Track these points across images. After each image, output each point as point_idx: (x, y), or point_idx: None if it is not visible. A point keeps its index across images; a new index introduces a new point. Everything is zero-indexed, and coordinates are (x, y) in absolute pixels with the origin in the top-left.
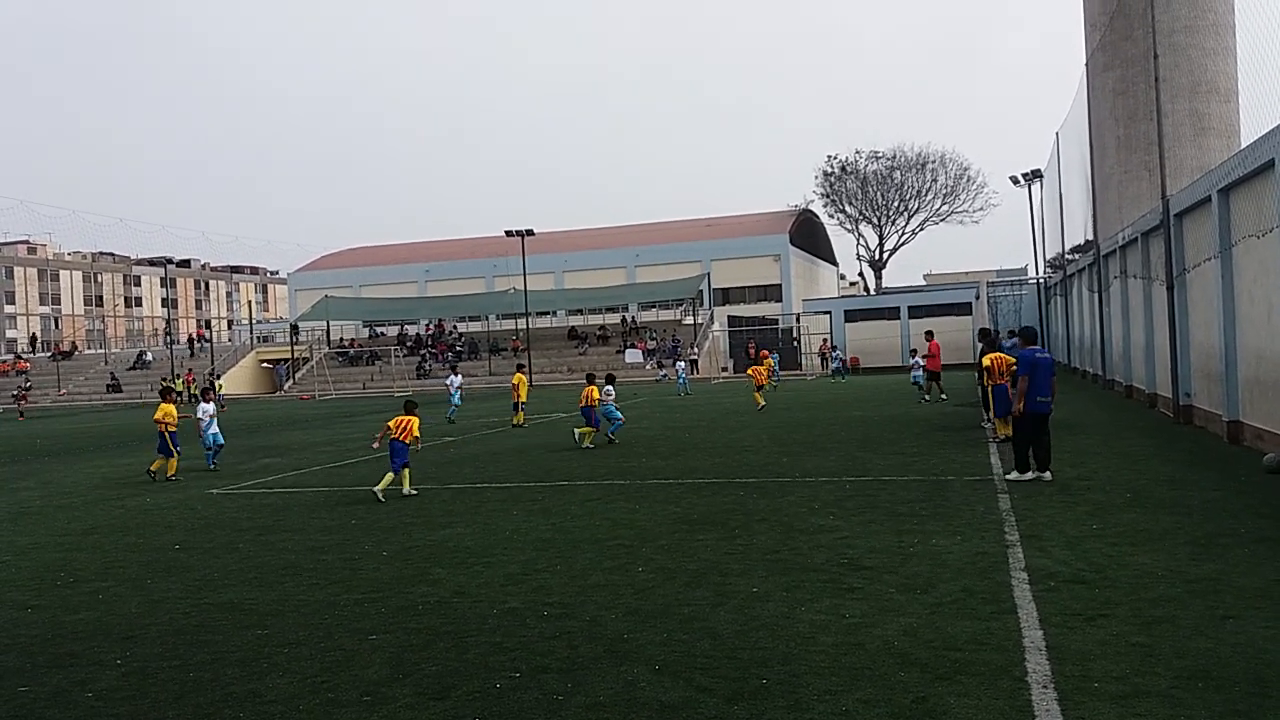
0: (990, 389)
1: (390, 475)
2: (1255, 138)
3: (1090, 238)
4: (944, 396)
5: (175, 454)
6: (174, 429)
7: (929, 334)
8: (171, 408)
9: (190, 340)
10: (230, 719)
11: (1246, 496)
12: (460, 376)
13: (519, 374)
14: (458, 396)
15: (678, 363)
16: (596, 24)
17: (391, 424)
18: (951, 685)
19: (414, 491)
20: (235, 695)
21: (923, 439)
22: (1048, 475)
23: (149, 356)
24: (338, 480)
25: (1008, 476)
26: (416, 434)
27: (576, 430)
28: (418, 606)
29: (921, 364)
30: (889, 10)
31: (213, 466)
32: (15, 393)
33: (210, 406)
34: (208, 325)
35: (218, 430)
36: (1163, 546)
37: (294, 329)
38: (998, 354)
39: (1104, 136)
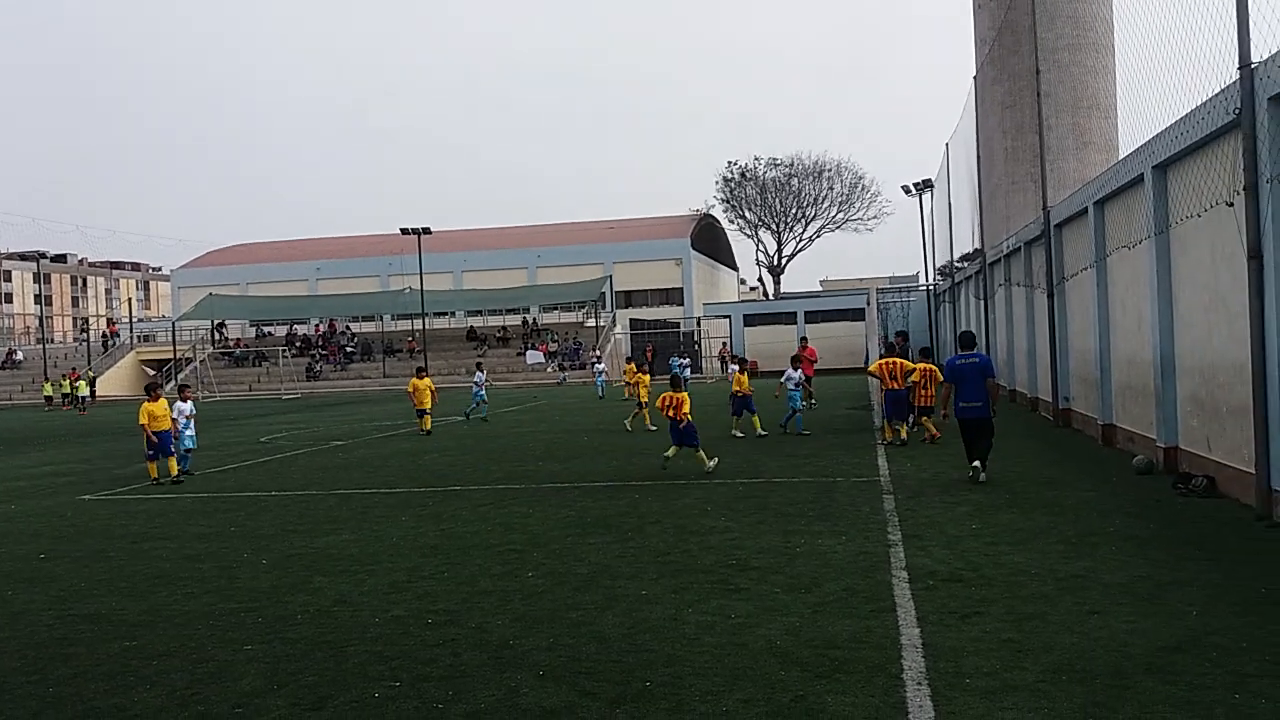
0: (884, 394)
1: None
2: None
3: (978, 246)
4: (813, 403)
5: (151, 456)
6: (164, 428)
7: (803, 340)
8: (155, 406)
9: (104, 337)
10: None
11: (1117, 497)
12: (484, 374)
13: (417, 379)
14: (483, 393)
15: (597, 365)
16: (498, 21)
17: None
18: (830, 683)
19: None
20: (98, 710)
21: (814, 442)
22: (980, 474)
23: (19, 355)
24: (219, 486)
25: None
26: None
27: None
28: (296, 616)
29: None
30: (791, 20)
31: (185, 471)
32: None
33: (187, 406)
34: (117, 324)
35: (194, 433)
36: (1037, 545)
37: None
38: (891, 359)
39: (992, 148)
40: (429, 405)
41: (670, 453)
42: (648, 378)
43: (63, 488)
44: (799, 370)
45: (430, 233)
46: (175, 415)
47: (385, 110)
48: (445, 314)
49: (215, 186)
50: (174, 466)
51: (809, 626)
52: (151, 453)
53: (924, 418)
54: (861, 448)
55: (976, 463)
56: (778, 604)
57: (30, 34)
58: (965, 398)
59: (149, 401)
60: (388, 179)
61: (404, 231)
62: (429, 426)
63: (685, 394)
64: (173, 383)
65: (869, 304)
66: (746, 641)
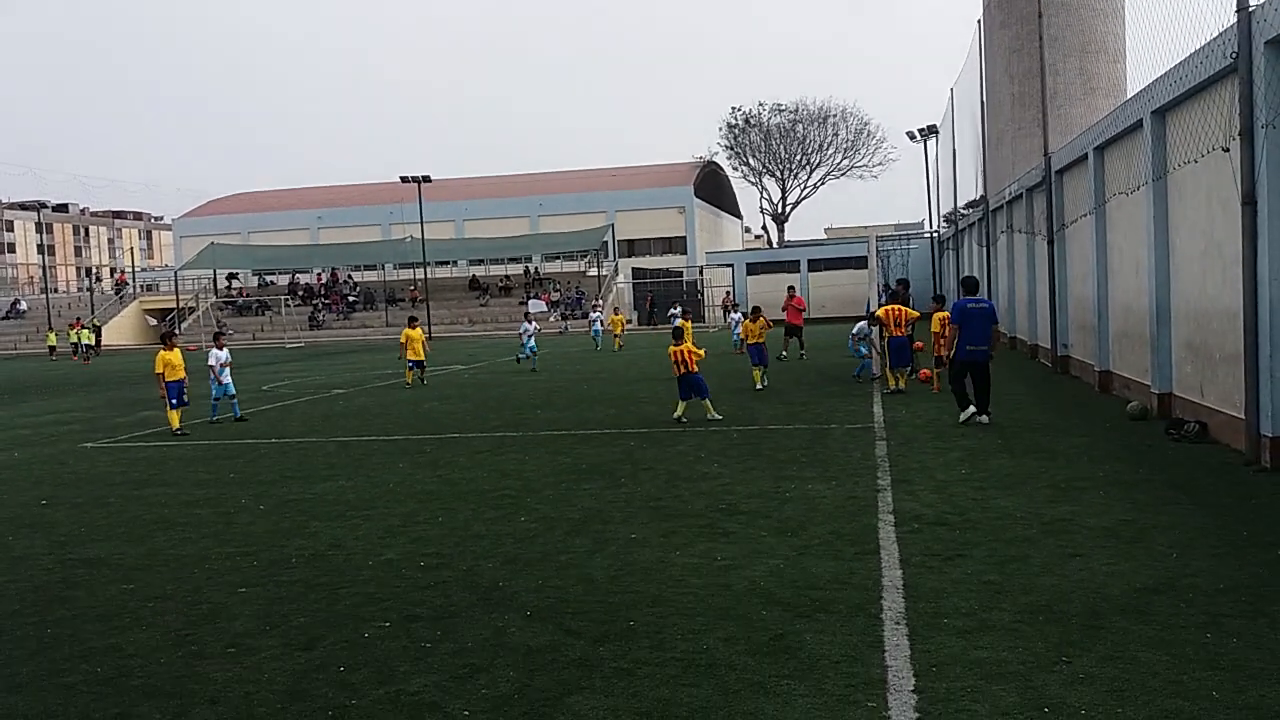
0: (886, 341)
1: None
2: None
3: (981, 193)
4: (803, 354)
5: (171, 406)
6: (179, 377)
7: (791, 289)
8: (172, 355)
9: (116, 286)
10: (86, 673)
11: (1109, 443)
12: (535, 324)
13: (410, 328)
14: (533, 342)
15: (594, 314)
16: None
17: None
18: (810, 623)
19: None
20: (94, 650)
21: (813, 390)
22: (984, 418)
23: (23, 305)
24: (217, 434)
25: (961, 419)
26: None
27: None
28: (291, 560)
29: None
30: None
31: (240, 417)
32: None
33: (224, 354)
34: (126, 273)
35: (230, 380)
36: (1024, 490)
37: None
38: (894, 306)
39: (998, 93)
40: (423, 356)
41: (680, 410)
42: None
43: (65, 436)
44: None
45: (430, 181)
46: (212, 362)
47: (386, 58)
48: (447, 263)
49: (216, 135)
50: (175, 419)
51: (793, 568)
52: (175, 402)
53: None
54: (859, 395)
55: (981, 414)
56: (764, 547)
57: None
58: (971, 340)
59: (164, 350)
60: (389, 127)
61: (404, 180)
62: (416, 378)
63: (689, 344)
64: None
65: (869, 251)
66: (730, 583)
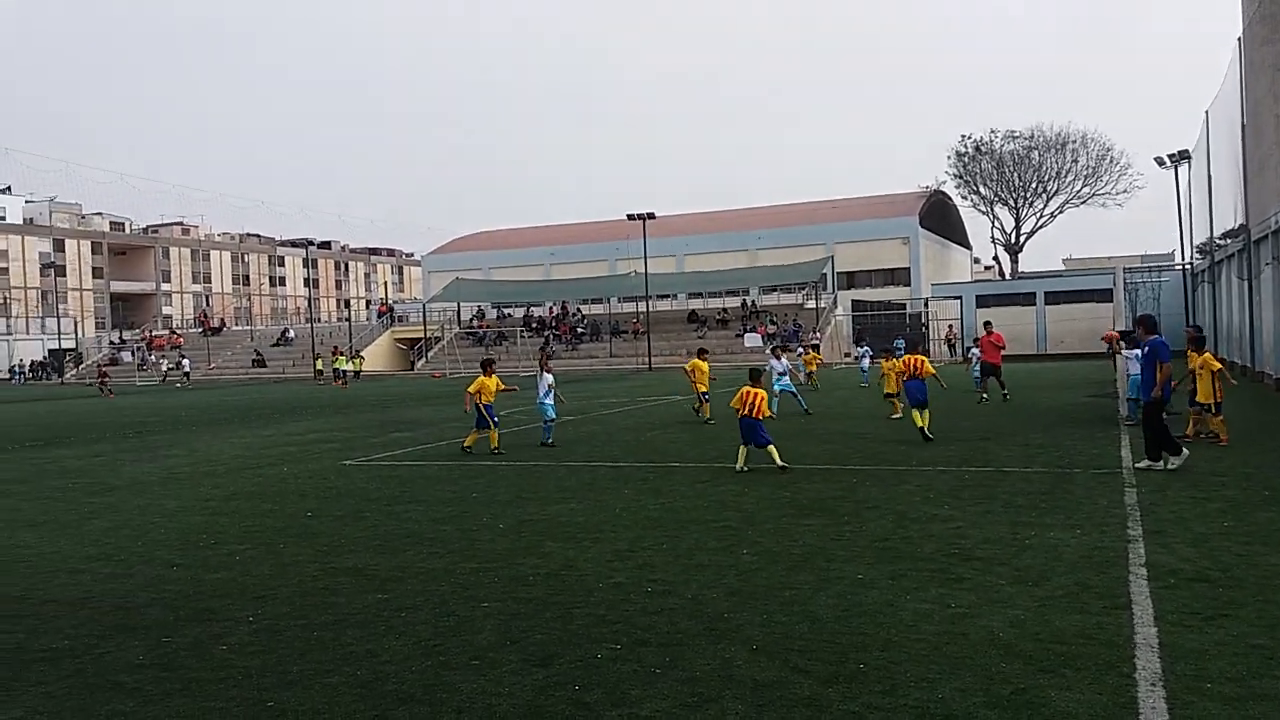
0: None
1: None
2: None
3: (1242, 222)
4: (984, 395)
5: (493, 425)
6: (489, 401)
7: (988, 324)
8: (489, 381)
9: (379, 313)
10: (348, 675)
11: None
12: (786, 361)
13: (699, 359)
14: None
15: (861, 347)
16: (718, 3)
17: (735, 399)
18: (1054, 678)
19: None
20: (354, 654)
21: (1052, 430)
22: (1177, 460)
23: (291, 334)
24: (462, 455)
25: (1138, 464)
26: (765, 411)
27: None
28: (528, 578)
29: (978, 356)
30: None
31: (547, 442)
32: (96, 374)
33: (550, 378)
34: (385, 304)
35: (553, 402)
36: None
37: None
38: (912, 357)
39: (1261, 114)
40: (707, 387)
41: (742, 459)
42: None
43: (326, 453)
44: (783, 360)
45: (654, 218)
46: (540, 384)
47: (611, 98)
48: (667, 296)
49: (461, 177)
50: (495, 438)
51: (1034, 620)
52: (494, 421)
53: (1218, 415)
54: (1103, 438)
55: (1177, 459)
56: (1001, 595)
57: (293, 36)
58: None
59: (484, 376)
60: (612, 166)
61: (630, 218)
62: (708, 412)
63: (762, 389)
64: (424, 357)
65: (1115, 284)
66: (966, 631)
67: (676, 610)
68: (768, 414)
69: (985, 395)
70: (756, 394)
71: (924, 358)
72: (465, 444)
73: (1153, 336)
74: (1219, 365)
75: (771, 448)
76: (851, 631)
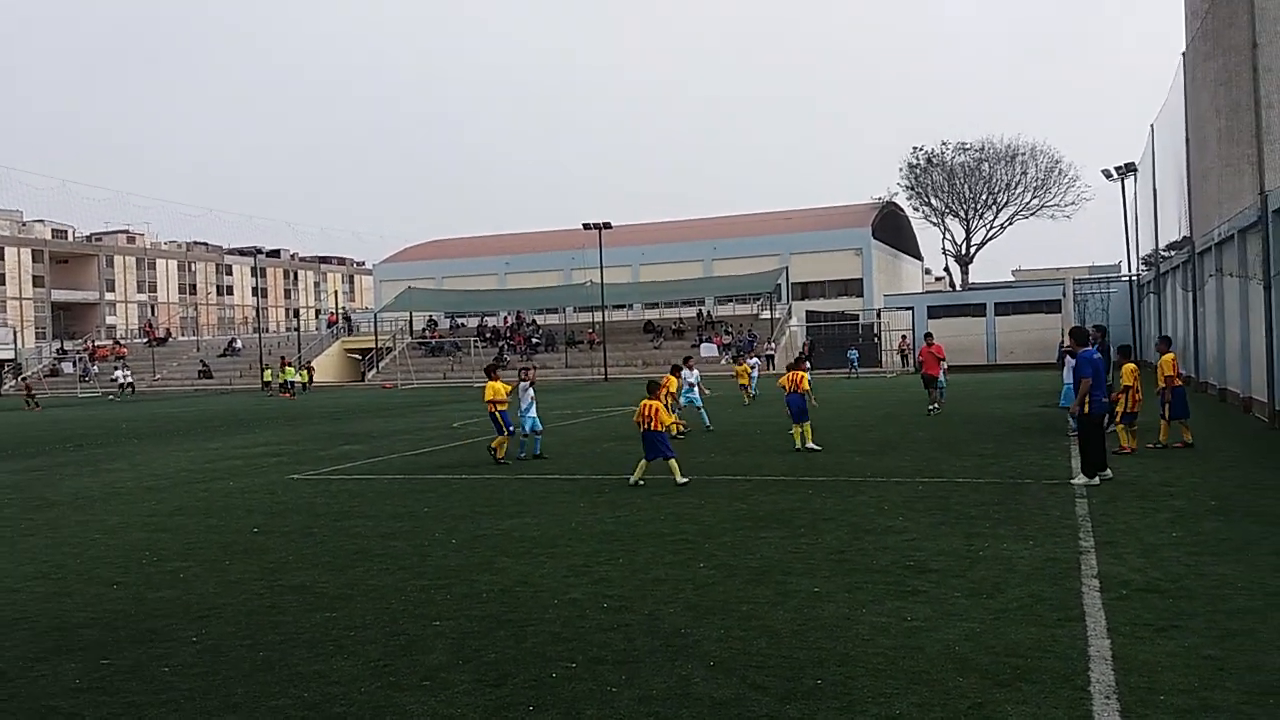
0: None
1: (645, 463)
2: None
3: (1186, 234)
4: (932, 407)
5: (506, 433)
6: (504, 408)
7: (928, 336)
8: (499, 385)
9: (329, 323)
10: (294, 698)
11: None
12: (696, 372)
13: (671, 376)
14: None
15: (752, 359)
16: (673, 10)
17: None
18: (1010, 692)
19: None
20: (301, 675)
21: (1002, 441)
22: (1109, 472)
23: (239, 344)
24: (414, 468)
25: (1074, 481)
26: (665, 421)
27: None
28: (482, 594)
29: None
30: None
31: (537, 453)
32: (18, 386)
33: (530, 389)
34: (335, 314)
35: (535, 415)
36: (1245, 557)
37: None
38: (795, 372)
39: (1204, 128)
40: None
41: (638, 474)
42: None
43: (274, 467)
44: (695, 371)
45: (611, 227)
46: (524, 397)
47: (567, 106)
48: (623, 306)
49: (413, 185)
50: (501, 448)
51: (989, 633)
52: (510, 429)
53: (1127, 424)
54: (1053, 448)
55: (1108, 471)
56: (957, 608)
57: (242, 40)
58: (1102, 393)
59: (491, 382)
60: (570, 175)
61: (586, 227)
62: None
63: (659, 402)
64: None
65: (1065, 295)
66: (923, 645)
67: (633, 627)
68: (670, 422)
69: (932, 407)
70: (654, 405)
71: (804, 374)
72: (494, 447)
73: (1082, 349)
74: (1133, 377)
75: (673, 462)
76: (809, 646)
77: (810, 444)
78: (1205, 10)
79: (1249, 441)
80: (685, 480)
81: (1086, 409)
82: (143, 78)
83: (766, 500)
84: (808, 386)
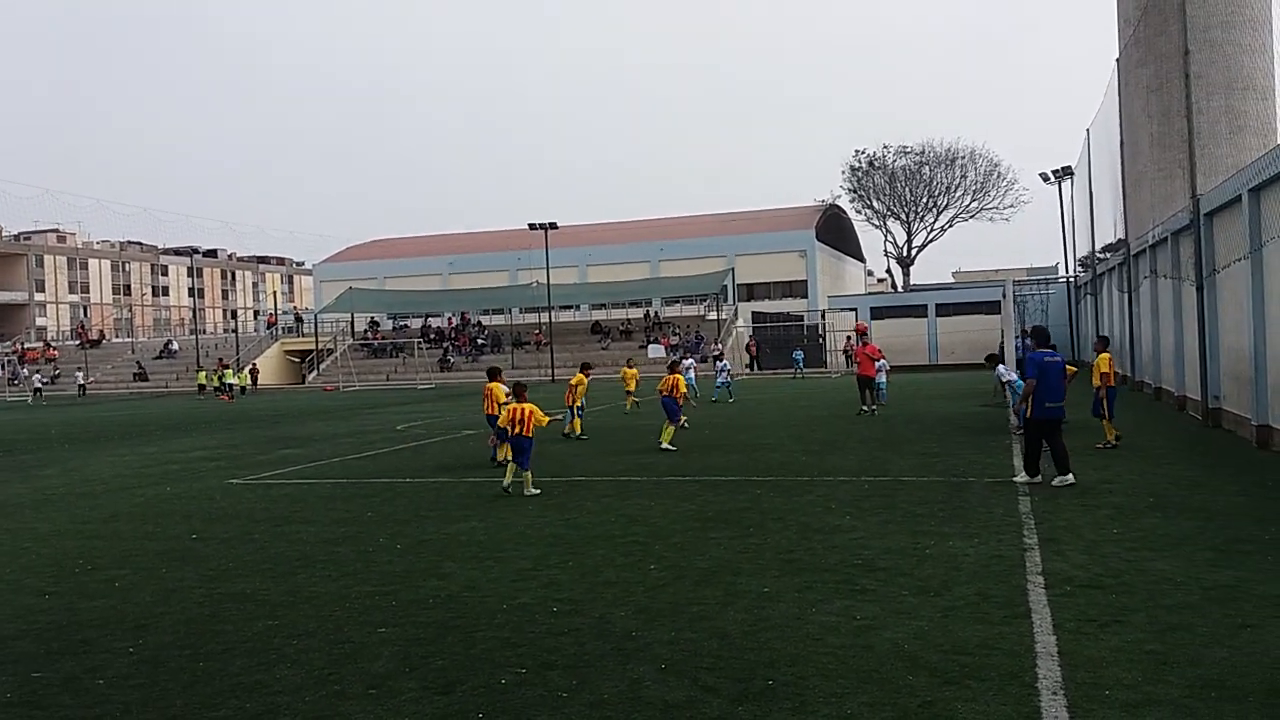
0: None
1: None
2: None
3: (1121, 236)
4: (871, 408)
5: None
6: (493, 412)
7: (863, 336)
8: (498, 387)
9: (269, 325)
10: (236, 709)
11: (1272, 502)
12: (693, 359)
13: (581, 373)
14: (692, 376)
15: (720, 363)
16: (619, 11)
17: (503, 415)
18: (959, 690)
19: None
20: (243, 685)
21: (945, 440)
22: (1070, 479)
23: (175, 346)
24: (356, 472)
25: (1016, 479)
26: (541, 421)
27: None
28: (428, 600)
29: (885, 367)
30: (919, 5)
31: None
32: None
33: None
34: (274, 315)
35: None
36: (1182, 552)
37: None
38: (671, 376)
39: (1137, 133)
40: (579, 401)
41: (509, 478)
42: (636, 372)
43: (212, 472)
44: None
45: (557, 228)
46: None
47: (512, 105)
48: (570, 307)
49: (353, 184)
50: (504, 451)
51: (938, 631)
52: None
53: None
54: (995, 447)
55: (1070, 475)
56: (905, 606)
57: (179, 32)
58: (1050, 397)
59: (490, 383)
60: (515, 175)
61: (532, 227)
62: (578, 428)
63: (531, 404)
64: (317, 369)
65: (1005, 296)
66: (872, 644)
67: (583, 630)
68: (544, 423)
69: (870, 408)
70: (526, 409)
71: (680, 377)
72: (498, 459)
73: (1039, 349)
74: (1109, 365)
75: (528, 473)
76: (760, 647)
77: (665, 444)
78: (1138, 18)
79: (1184, 439)
80: (537, 490)
81: (1029, 412)
82: (72, 72)
83: (715, 500)
84: (684, 390)
